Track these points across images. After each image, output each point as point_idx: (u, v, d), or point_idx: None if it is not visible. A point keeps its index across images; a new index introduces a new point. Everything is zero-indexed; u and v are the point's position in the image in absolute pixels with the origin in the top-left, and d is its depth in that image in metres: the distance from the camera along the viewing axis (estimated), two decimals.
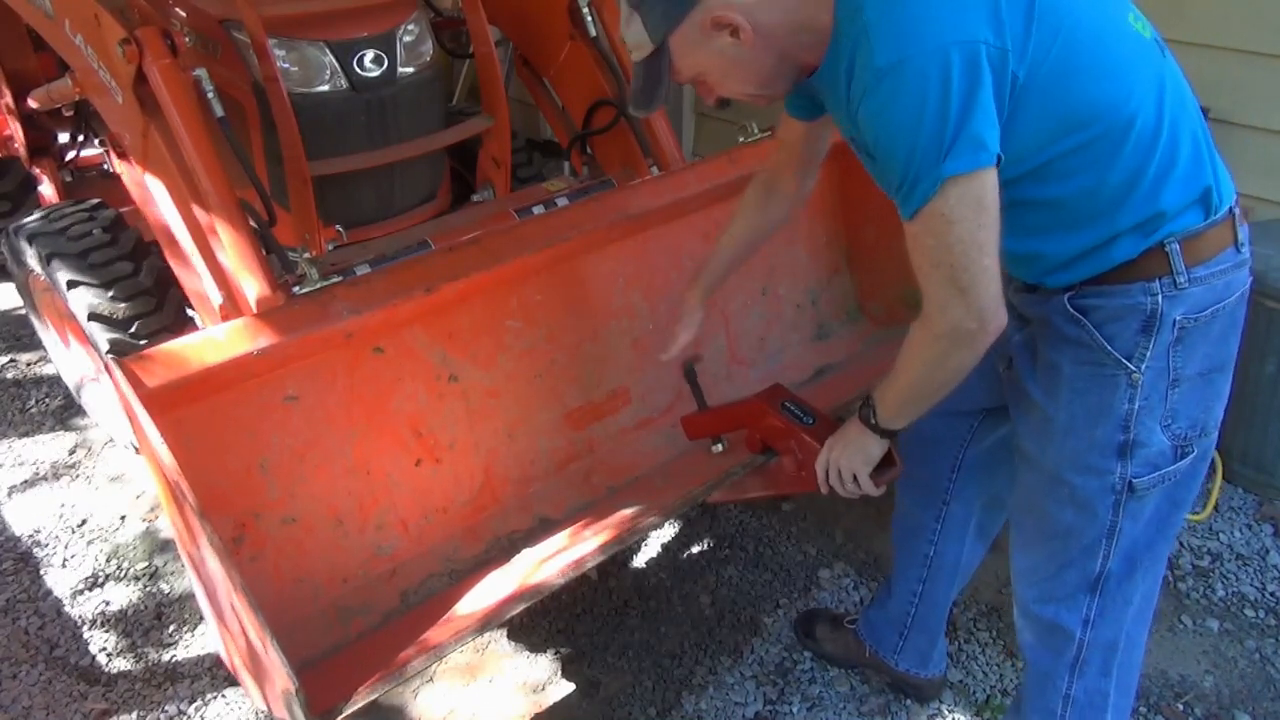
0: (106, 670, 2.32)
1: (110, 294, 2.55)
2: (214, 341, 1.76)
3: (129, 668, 2.33)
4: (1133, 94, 1.33)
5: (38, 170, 3.54)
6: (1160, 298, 1.37)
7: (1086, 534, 1.53)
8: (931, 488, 1.91)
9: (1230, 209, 1.42)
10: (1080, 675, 1.67)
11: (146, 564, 2.63)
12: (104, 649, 2.38)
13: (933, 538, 1.96)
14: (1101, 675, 1.66)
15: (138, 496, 2.87)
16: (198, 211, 2.16)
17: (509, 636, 2.38)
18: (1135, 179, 1.35)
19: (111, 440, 3.08)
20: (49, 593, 2.55)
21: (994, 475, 1.86)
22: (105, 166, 3.59)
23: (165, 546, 2.68)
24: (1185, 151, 1.38)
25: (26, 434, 3.16)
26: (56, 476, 2.97)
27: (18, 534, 2.74)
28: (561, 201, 2.61)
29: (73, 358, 3.11)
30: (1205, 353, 1.43)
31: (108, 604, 2.51)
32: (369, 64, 2.52)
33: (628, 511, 1.95)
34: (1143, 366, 1.40)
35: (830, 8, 1.35)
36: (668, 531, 2.70)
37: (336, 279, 2.04)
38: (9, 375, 3.46)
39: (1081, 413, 1.46)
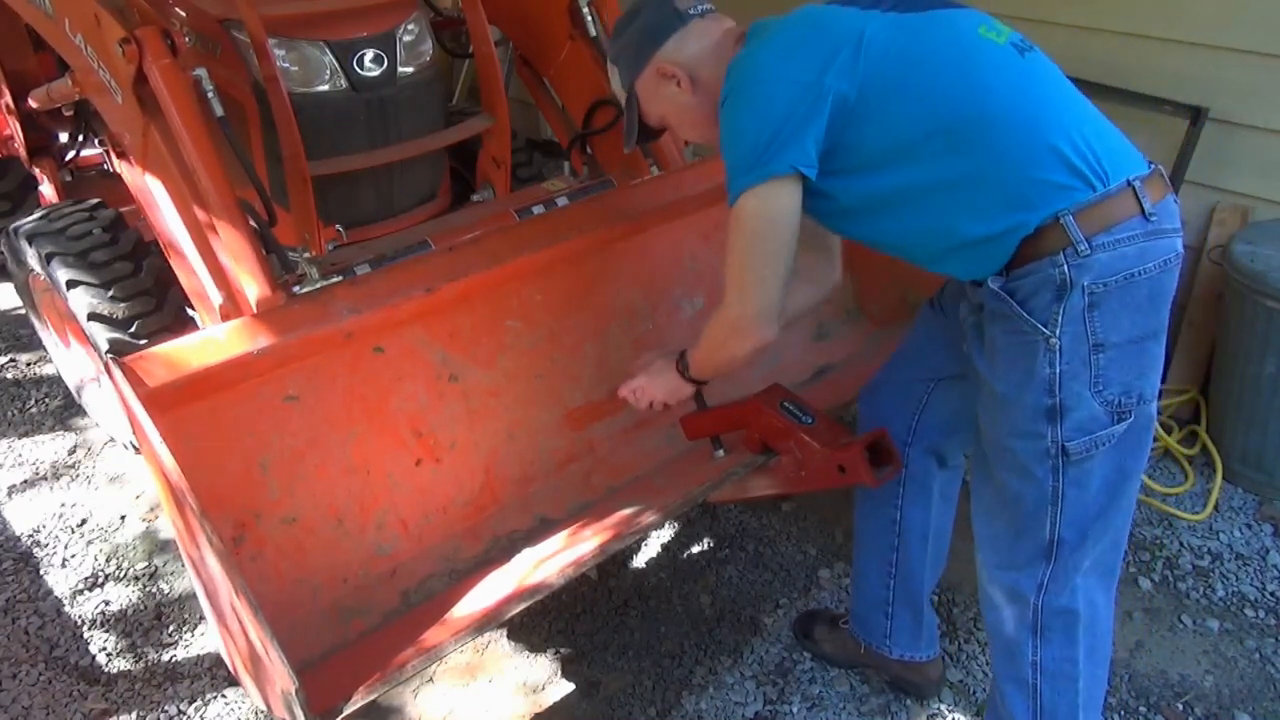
0: (106, 670, 2.32)
1: (110, 294, 2.55)
2: (214, 341, 1.76)
3: (129, 668, 2.33)
4: (987, 93, 1.51)
5: (38, 170, 3.54)
6: (1066, 267, 1.48)
7: (1031, 499, 1.63)
8: None
9: (1128, 181, 1.50)
10: (1046, 643, 1.73)
11: (146, 564, 2.63)
12: (104, 649, 2.38)
13: (897, 501, 2.00)
14: (1067, 643, 1.73)
15: (138, 496, 2.87)
16: (198, 211, 2.16)
17: (509, 636, 2.38)
18: (1000, 163, 1.50)
19: (111, 440, 3.08)
20: (49, 593, 2.55)
21: (948, 439, 1.94)
22: (105, 166, 3.58)
23: (165, 546, 2.68)
24: (1052, 136, 1.49)
25: (26, 434, 3.16)
26: (56, 476, 2.97)
27: (18, 534, 2.74)
28: (561, 201, 2.60)
29: (73, 358, 3.11)
30: (1131, 320, 1.52)
31: (108, 604, 2.51)
32: (369, 64, 2.52)
33: (628, 511, 1.95)
34: (1057, 331, 1.50)
35: None
36: (668, 531, 2.70)
37: (337, 279, 2.04)
38: (9, 375, 3.46)
39: (1014, 380, 1.57)
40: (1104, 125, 1.58)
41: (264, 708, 1.73)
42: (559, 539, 1.95)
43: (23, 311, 3.43)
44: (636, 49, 1.75)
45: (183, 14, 2.59)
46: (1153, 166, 1.56)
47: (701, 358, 1.85)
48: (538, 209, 2.57)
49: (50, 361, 3.33)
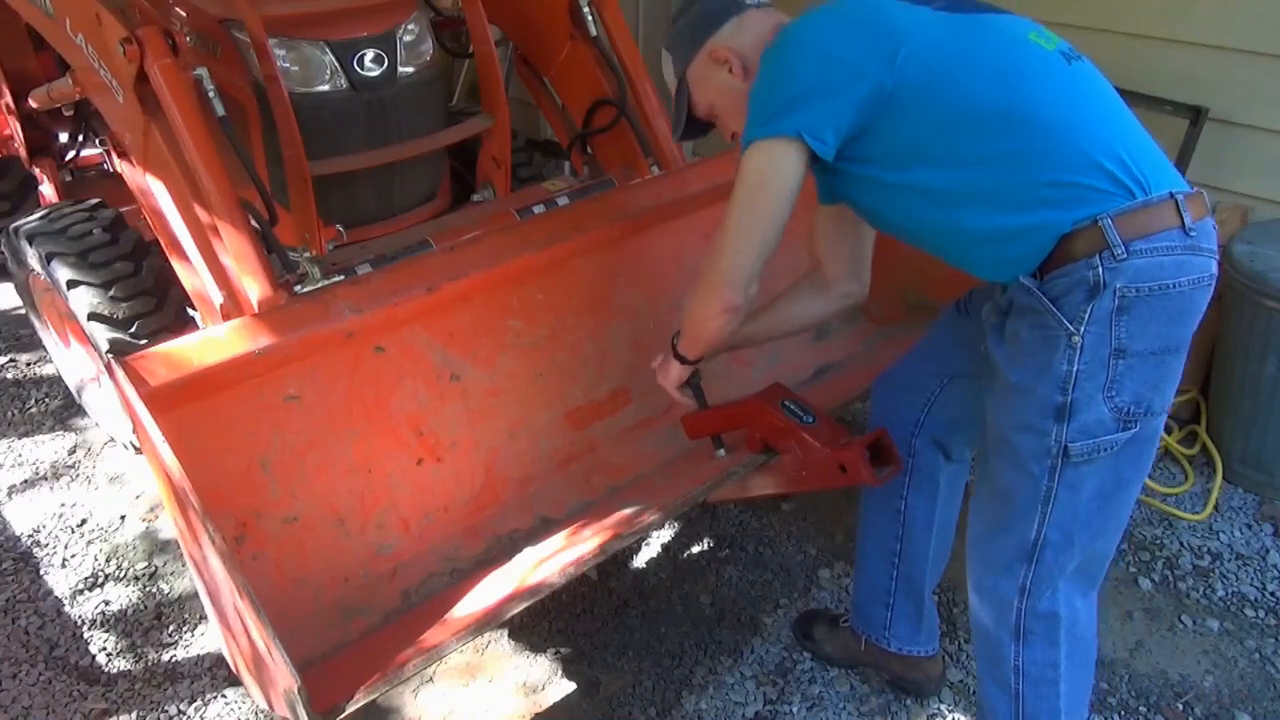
0: (106, 670, 2.32)
1: (110, 294, 2.55)
2: (215, 341, 1.76)
3: (129, 668, 2.33)
4: (1028, 99, 1.52)
5: (38, 170, 3.54)
6: (1101, 269, 1.47)
7: (1021, 496, 1.62)
8: (898, 438, 1.95)
9: (1170, 193, 1.50)
10: (1027, 645, 1.73)
11: (146, 564, 2.63)
12: (104, 649, 2.38)
13: (902, 491, 2.00)
14: (1048, 645, 1.72)
15: (138, 496, 2.87)
16: (199, 211, 2.16)
17: (509, 636, 2.38)
18: (1035, 168, 1.50)
19: (111, 440, 3.08)
20: (49, 593, 2.55)
21: (954, 434, 1.95)
22: (105, 166, 3.58)
23: (165, 546, 2.68)
24: (1093, 147, 1.50)
25: (26, 434, 3.16)
26: (56, 476, 2.97)
27: (18, 534, 2.74)
28: (562, 201, 2.60)
29: (73, 358, 3.11)
30: (1158, 331, 1.51)
31: (108, 604, 2.51)
32: (369, 64, 2.52)
33: (628, 511, 1.95)
34: (1082, 329, 1.50)
35: None
36: (668, 531, 2.70)
37: (338, 278, 2.04)
38: (9, 375, 3.46)
39: (1030, 372, 1.56)
40: (1146, 140, 1.57)
41: (266, 707, 1.73)
42: (559, 538, 1.95)
43: (23, 311, 3.42)
44: (691, 34, 1.77)
45: (183, 14, 2.60)
46: (1195, 189, 1.55)
47: (684, 327, 1.86)
48: (538, 209, 2.57)
49: (50, 361, 3.33)
